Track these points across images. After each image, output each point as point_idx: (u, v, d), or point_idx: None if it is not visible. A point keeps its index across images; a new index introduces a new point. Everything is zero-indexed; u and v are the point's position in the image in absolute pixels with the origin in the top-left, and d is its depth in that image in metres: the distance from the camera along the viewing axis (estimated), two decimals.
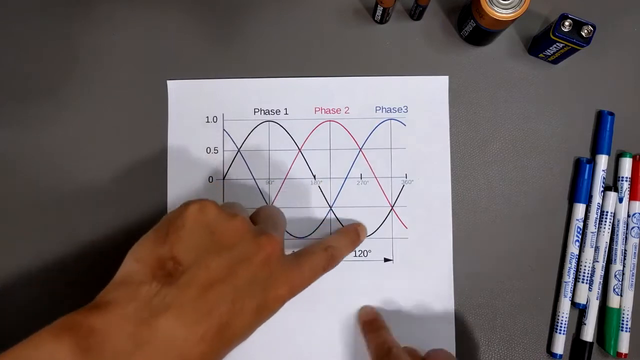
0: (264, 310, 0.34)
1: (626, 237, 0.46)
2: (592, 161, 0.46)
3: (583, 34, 0.42)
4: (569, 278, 0.45)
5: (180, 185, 0.46)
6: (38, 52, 0.47)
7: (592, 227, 0.45)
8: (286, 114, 0.47)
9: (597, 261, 0.45)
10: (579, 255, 0.46)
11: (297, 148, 0.47)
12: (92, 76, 0.47)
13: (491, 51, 0.47)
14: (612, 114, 0.46)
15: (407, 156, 0.47)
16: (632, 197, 0.46)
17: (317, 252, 0.39)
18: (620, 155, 0.46)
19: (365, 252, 0.46)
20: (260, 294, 0.34)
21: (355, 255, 0.46)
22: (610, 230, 0.46)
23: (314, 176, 0.47)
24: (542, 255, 0.46)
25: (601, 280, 0.45)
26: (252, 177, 0.47)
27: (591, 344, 0.45)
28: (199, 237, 0.33)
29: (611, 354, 0.45)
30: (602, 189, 0.46)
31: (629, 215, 0.46)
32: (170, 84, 0.47)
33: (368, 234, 0.46)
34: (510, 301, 0.46)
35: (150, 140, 0.47)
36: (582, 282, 0.45)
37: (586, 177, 0.45)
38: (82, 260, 0.46)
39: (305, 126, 0.47)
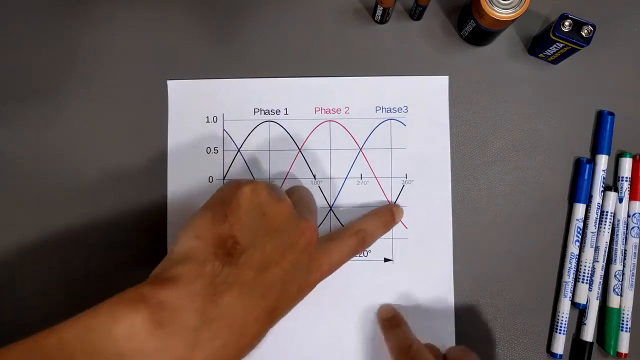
0: (301, 294, 0.36)
1: (626, 237, 0.46)
2: (592, 161, 0.46)
3: (583, 34, 0.42)
4: (569, 278, 0.45)
5: (180, 185, 0.46)
6: (38, 52, 0.47)
7: (592, 227, 0.45)
8: (286, 114, 0.47)
9: (597, 261, 0.45)
10: (579, 255, 0.46)
11: (297, 148, 0.47)
12: (92, 76, 0.47)
13: (491, 51, 0.47)
14: (612, 114, 0.46)
15: (407, 156, 0.47)
16: (632, 197, 0.46)
17: (347, 237, 0.40)
18: (620, 155, 0.46)
19: (365, 252, 0.46)
20: (302, 278, 0.35)
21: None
22: (610, 230, 0.46)
23: (314, 176, 0.47)
24: (542, 255, 0.46)
25: (601, 280, 0.45)
26: (252, 177, 0.47)
27: (591, 344, 0.45)
28: (254, 219, 0.34)
29: (611, 354, 0.45)
30: (602, 189, 0.46)
31: (629, 215, 0.46)
32: (170, 84, 0.47)
33: None
34: (510, 301, 0.46)
35: (150, 140, 0.47)
36: (582, 282, 0.45)
37: (586, 177, 0.45)
38: (82, 260, 0.46)
39: (305, 126, 0.47)
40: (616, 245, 0.45)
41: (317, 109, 0.47)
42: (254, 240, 0.33)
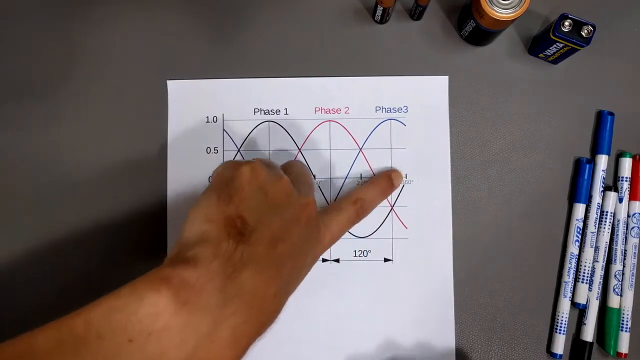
0: (309, 266, 0.37)
1: (626, 237, 0.46)
2: (592, 161, 0.46)
3: (583, 34, 0.42)
4: (569, 278, 0.45)
5: (180, 185, 0.46)
6: (38, 52, 0.47)
7: (592, 227, 0.45)
8: (286, 114, 0.47)
9: (597, 261, 0.45)
10: (579, 255, 0.46)
11: (297, 148, 0.47)
12: (92, 76, 0.47)
13: (491, 51, 0.47)
14: (612, 114, 0.46)
15: (407, 156, 0.47)
16: (632, 197, 0.46)
17: (345, 207, 0.41)
18: (620, 155, 0.46)
19: (365, 252, 0.46)
20: (308, 250, 0.37)
21: (355, 255, 0.46)
22: (610, 230, 0.46)
23: (314, 176, 0.47)
24: (542, 255, 0.46)
25: (601, 280, 0.45)
26: None
27: (591, 344, 0.45)
28: (257, 198, 0.35)
29: (611, 354, 0.45)
30: (602, 189, 0.46)
31: (629, 215, 0.46)
32: (170, 84, 0.47)
33: (368, 234, 0.46)
34: (510, 301, 0.46)
35: (150, 140, 0.47)
36: (582, 282, 0.45)
37: (586, 177, 0.45)
38: (82, 260, 0.46)
39: (305, 126, 0.47)
40: (616, 245, 0.45)
41: (317, 109, 0.47)
42: (260, 219, 0.33)
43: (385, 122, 0.47)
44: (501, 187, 0.47)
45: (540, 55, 0.46)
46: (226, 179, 0.36)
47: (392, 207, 0.46)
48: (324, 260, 0.46)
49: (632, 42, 0.47)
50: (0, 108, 0.47)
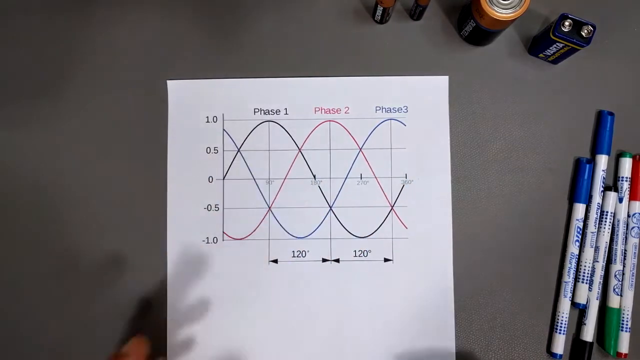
0: None
1: (626, 237, 0.46)
2: (592, 161, 0.46)
3: (583, 34, 0.42)
4: (569, 278, 0.45)
5: (180, 185, 0.46)
6: (38, 52, 0.47)
7: (592, 227, 0.45)
8: (286, 114, 0.47)
9: (597, 261, 0.45)
10: (579, 255, 0.46)
11: (297, 148, 0.47)
12: (92, 76, 0.47)
13: (491, 51, 0.47)
14: (612, 114, 0.46)
15: (407, 156, 0.47)
16: (632, 197, 0.46)
17: None
18: (620, 155, 0.46)
19: (365, 252, 0.46)
20: None
21: (355, 255, 0.46)
22: (610, 230, 0.46)
23: (314, 176, 0.47)
24: (542, 255, 0.46)
25: (601, 280, 0.45)
26: (252, 177, 0.47)
27: (591, 344, 0.45)
28: None
29: (611, 354, 0.45)
30: (602, 189, 0.46)
31: (629, 215, 0.46)
32: (170, 84, 0.47)
33: (368, 234, 0.46)
34: (510, 301, 0.46)
35: (150, 140, 0.47)
36: (582, 282, 0.45)
37: (586, 177, 0.45)
38: (81, 259, 0.46)
39: (305, 126, 0.47)
40: (616, 245, 0.45)
41: (317, 109, 0.47)
42: None
43: (385, 122, 0.47)
44: (501, 187, 0.47)
45: (540, 55, 0.46)
46: None
47: (392, 207, 0.46)
48: (324, 260, 0.46)
49: (632, 42, 0.47)
50: (0, 108, 0.47)
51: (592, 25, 0.42)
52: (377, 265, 0.46)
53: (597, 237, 0.45)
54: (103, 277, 0.46)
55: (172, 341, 0.45)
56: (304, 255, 0.46)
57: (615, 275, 0.45)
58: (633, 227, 0.46)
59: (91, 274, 0.46)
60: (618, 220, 0.45)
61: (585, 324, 0.45)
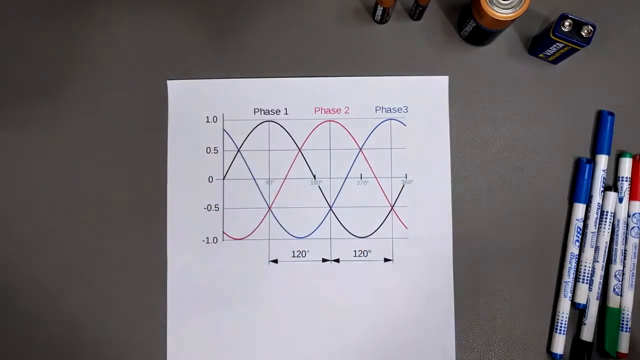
0: None
1: (626, 237, 0.46)
2: (592, 161, 0.46)
3: (583, 34, 0.42)
4: (569, 278, 0.45)
5: (180, 185, 0.46)
6: (38, 52, 0.47)
7: (592, 227, 0.45)
8: (286, 114, 0.47)
9: (597, 261, 0.45)
10: (579, 255, 0.46)
11: (297, 148, 0.47)
12: (92, 76, 0.47)
13: (491, 51, 0.47)
14: (612, 114, 0.46)
15: (407, 156, 0.47)
16: (632, 197, 0.46)
17: None
18: (620, 155, 0.46)
19: (365, 252, 0.46)
20: None
21: (355, 255, 0.46)
22: (610, 230, 0.46)
23: (314, 176, 0.47)
24: (542, 255, 0.46)
25: (601, 280, 0.45)
26: (252, 177, 0.47)
27: (591, 344, 0.45)
28: None
29: (611, 354, 0.45)
30: (602, 189, 0.46)
31: (629, 215, 0.46)
32: (170, 84, 0.47)
33: (368, 234, 0.46)
34: (510, 301, 0.46)
35: (150, 140, 0.47)
36: (582, 282, 0.45)
37: (586, 177, 0.45)
38: (81, 259, 0.46)
39: (305, 126, 0.47)
40: (616, 245, 0.45)
41: (317, 109, 0.47)
42: None
43: (385, 122, 0.47)
44: (501, 187, 0.47)
45: (540, 55, 0.46)
46: None
47: (392, 207, 0.46)
48: (324, 260, 0.46)
49: (632, 42, 0.47)
50: (0, 108, 0.47)
51: (592, 25, 0.42)
52: (377, 265, 0.46)
53: (597, 237, 0.45)
54: (102, 277, 0.46)
55: (172, 341, 0.45)
56: (304, 255, 0.46)
57: (615, 275, 0.45)
58: (633, 227, 0.46)
59: (91, 273, 0.46)
60: (618, 220, 0.45)
61: (585, 324, 0.45)
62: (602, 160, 0.46)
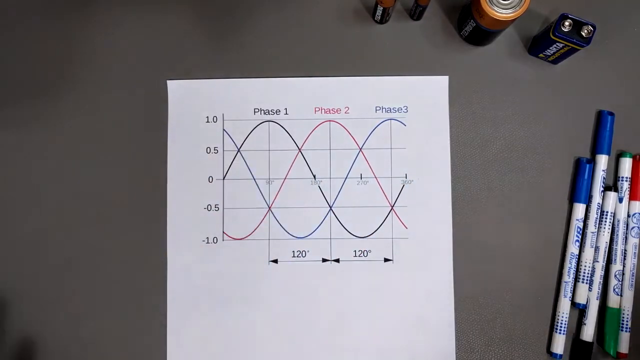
0: None
1: (626, 237, 0.46)
2: (592, 161, 0.46)
3: (583, 34, 0.42)
4: (569, 278, 0.45)
5: (180, 185, 0.46)
6: (38, 52, 0.47)
7: (592, 227, 0.45)
8: (286, 114, 0.47)
9: (597, 261, 0.45)
10: (579, 255, 0.46)
11: (297, 148, 0.47)
12: (92, 76, 0.47)
13: (491, 51, 0.47)
14: (612, 114, 0.46)
15: (407, 156, 0.47)
16: (632, 197, 0.46)
17: None
18: (620, 155, 0.46)
19: (365, 252, 0.46)
20: None
21: (355, 255, 0.46)
22: (610, 230, 0.46)
23: (314, 176, 0.47)
24: (542, 255, 0.46)
25: (601, 280, 0.45)
26: (252, 177, 0.47)
27: (591, 344, 0.45)
28: None
29: (611, 354, 0.45)
30: (602, 189, 0.46)
31: (629, 215, 0.46)
32: (170, 84, 0.47)
33: (368, 234, 0.46)
34: (510, 301, 0.46)
35: (150, 140, 0.47)
36: (582, 282, 0.45)
37: (586, 177, 0.45)
38: (81, 259, 0.46)
39: (305, 126, 0.47)
40: (616, 245, 0.45)
41: (317, 109, 0.47)
42: None
43: (385, 122, 0.47)
44: (501, 187, 0.47)
45: (540, 55, 0.46)
46: None
47: (392, 207, 0.46)
48: (324, 260, 0.46)
49: (632, 42, 0.47)
50: (0, 108, 0.47)
51: (592, 25, 0.42)
52: (377, 265, 0.46)
53: (597, 237, 0.45)
54: (103, 277, 0.46)
55: (172, 341, 0.45)
56: (304, 255, 0.46)
57: (615, 275, 0.45)
58: (633, 227, 0.46)
59: (91, 273, 0.46)
60: (618, 220, 0.45)
61: (585, 324, 0.45)
62: (602, 160, 0.46)
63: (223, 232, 0.46)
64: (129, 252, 0.46)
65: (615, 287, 0.45)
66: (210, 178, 0.47)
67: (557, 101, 0.47)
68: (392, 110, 0.47)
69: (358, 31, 0.47)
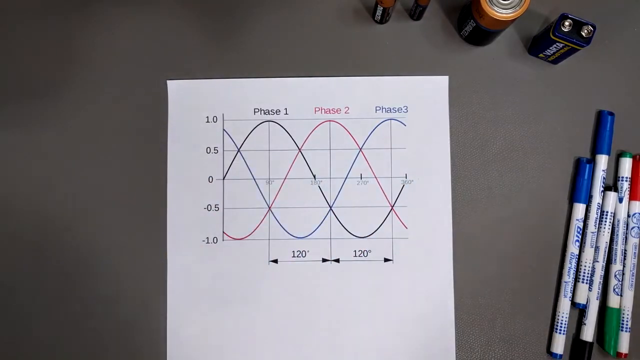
0: None
1: (626, 237, 0.46)
2: (592, 161, 0.46)
3: (583, 34, 0.42)
4: (569, 278, 0.45)
5: (180, 185, 0.46)
6: (38, 52, 0.47)
7: (592, 227, 0.45)
8: (286, 114, 0.47)
9: (597, 261, 0.45)
10: (579, 255, 0.46)
11: (297, 148, 0.47)
12: (92, 76, 0.47)
13: (491, 51, 0.47)
14: (612, 114, 0.46)
15: (407, 156, 0.47)
16: (632, 197, 0.46)
17: None
18: (620, 155, 0.46)
19: (365, 252, 0.46)
20: None
21: (355, 255, 0.46)
22: (610, 230, 0.46)
23: (314, 176, 0.47)
24: (542, 255, 0.46)
25: (601, 280, 0.45)
26: (252, 177, 0.47)
27: (591, 344, 0.45)
28: None
29: (611, 354, 0.45)
30: (602, 189, 0.46)
31: (628, 215, 0.46)
32: (170, 84, 0.47)
33: (368, 234, 0.46)
34: (510, 301, 0.46)
35: (150, 140, 0.47)
36: (582, 282, 0.45)
37: (586, 177, 0.45)
38: (81, 259, 0.46)
39: (305, 126, 0.47)
40: (616, 245, 0.45)
41: (317, 109, 0.47)
42: None
43: (385, 122, 0.47)
44: (501, 187, 0.47)
45: (540, 55, 0.46)
46: None
47: (392, 207, 0.46)
48: (324, 260, 0.46)
49: (632, 42, 0.47)
50: (0, 108, 0.47)
51: (592, 25, 0.42)
52: (377, 265, 0.46)
53: (597, 237, 0.45)
54: (103, 277, 0.46)
55: (172, 341, 0.45)
56: (304, 255, 0.46)
57: (615, 275, 0.45)
58: (633, 227, 0.46)
59: (91, 274, 0.46)
60: (618, 220, 0.45)
61: (585, 324, 0.45)
62: (602, 160, 0.46)
63: (223, 232, 0.46)
64: (129, 252, 0.46)
65: (615, 287, 0.45)
66: (210, 178, 0.47)
67: (557, 101, 0.47)
68: (392, 110, 0.47)
69: (358, 31, 0.47)
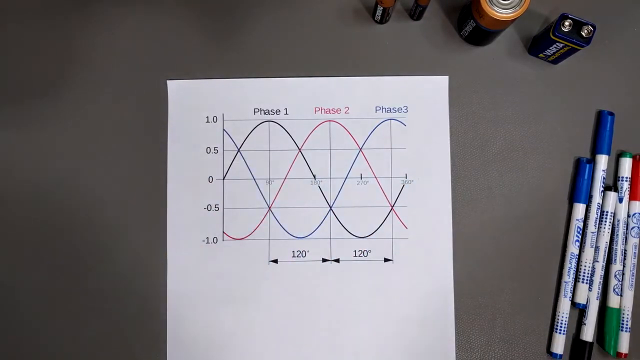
0: None
1: (626, 237, 0.46)
2: (592, 161, 0.46)
3: (583, 34, 0.42)
4: (569, 278, 0.45)
5: (180, 185, 0.46)
6: (38, 52, 0.47)
7: (592, 227, 0.45)
8: (286, 114, 0.47)
9: (597, 261, 0.45)
10: (579, 255, 0.46)
11: (297, 148, 0.47)
12: (92, 76, 0.47)
13: (491, 51, 0.47)
14: (612, 114, 0.46)
15: (407, 156, 0.47)
16: (632, 197, 0.46)
17: None
18: (620, 155, 0.46)
19: (365, 252, 0.46)
20: None
21: (355, 255, 0.46)
22: (610, 230, 0.46)
23: (314, 176, 0.47)
24: (542, 255, 0.46)
25: (601, 280, 0.45)
26: (252, 177, 0.47)
27: (591, 344, 0.45)
28: None
29: (611, 354, 0.45)
30: (602, 189, 0.46)
31: (629, 215, 0.46)
32: (170, 84, 0.47)
33: (368, 234, 0.46)
34: (510, 301, 0.46)
35: (150, 140, 0.47)
36: (582, 282, 0.45)
37: (586, 177, 0.45)
38: (81, 260, 0.46)
39: (305, 126, 0.47)
40: (616, 245, 0.45)
41: (317, 109, 0.47)
42: None
43: (385, 122, 0.47)
44: (501, 187, 0.47)
45: (540, 55, 0.46)
46: None
47: (392, 207, 0.46)
48: (324, 260, 0.46)
49: (632, 42, 0.47)
50: (0, 108, 0.47)
51: (592, 25, 0.42)
52: (377, 265, 0.46)
53: (597, 237, 0.45)
54: (102, 277, 0.46)
55: (172, 341, 0.45)
56: (304, 255, 0.46)
57: (615, 275, 0.45)
58: (633, 227, 0.46)
59: (91, 274, 0.46)
60: (618, 220, 0.45)
61: (585, 324, 0.45)
62: (602, 160, 0.46)
63: (223, 232, 0.46)
64: (129, 252, 0.46)
65: (615, 287, 0.45)
66: (210, 178, 0.47)
67: (557, 101, 0.47)
68: (392, 110, 0.47)
69: (358, 31, 0.47)
